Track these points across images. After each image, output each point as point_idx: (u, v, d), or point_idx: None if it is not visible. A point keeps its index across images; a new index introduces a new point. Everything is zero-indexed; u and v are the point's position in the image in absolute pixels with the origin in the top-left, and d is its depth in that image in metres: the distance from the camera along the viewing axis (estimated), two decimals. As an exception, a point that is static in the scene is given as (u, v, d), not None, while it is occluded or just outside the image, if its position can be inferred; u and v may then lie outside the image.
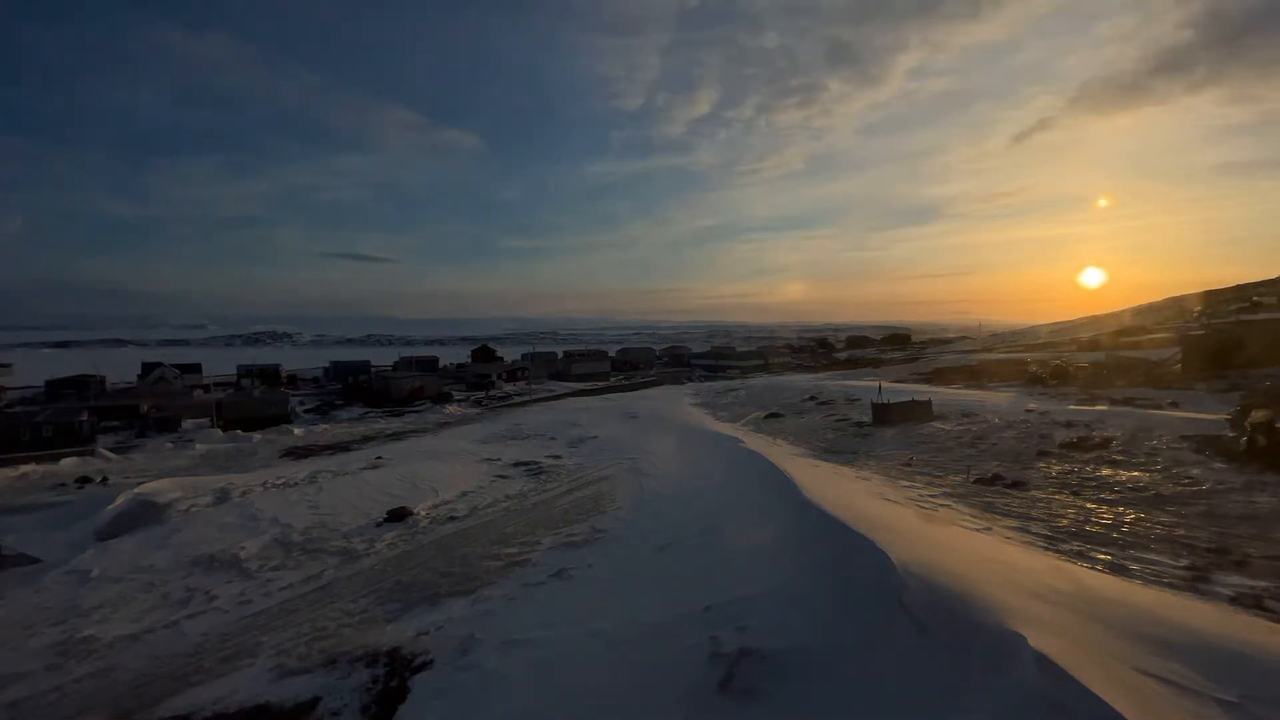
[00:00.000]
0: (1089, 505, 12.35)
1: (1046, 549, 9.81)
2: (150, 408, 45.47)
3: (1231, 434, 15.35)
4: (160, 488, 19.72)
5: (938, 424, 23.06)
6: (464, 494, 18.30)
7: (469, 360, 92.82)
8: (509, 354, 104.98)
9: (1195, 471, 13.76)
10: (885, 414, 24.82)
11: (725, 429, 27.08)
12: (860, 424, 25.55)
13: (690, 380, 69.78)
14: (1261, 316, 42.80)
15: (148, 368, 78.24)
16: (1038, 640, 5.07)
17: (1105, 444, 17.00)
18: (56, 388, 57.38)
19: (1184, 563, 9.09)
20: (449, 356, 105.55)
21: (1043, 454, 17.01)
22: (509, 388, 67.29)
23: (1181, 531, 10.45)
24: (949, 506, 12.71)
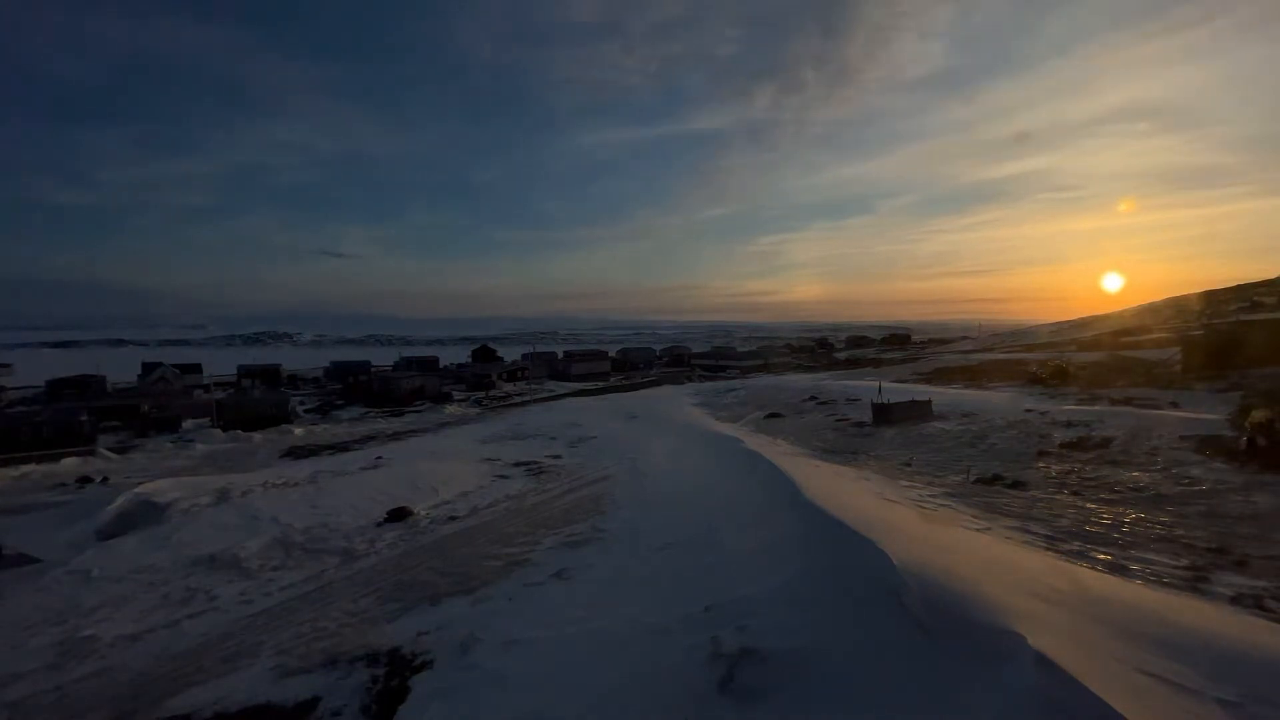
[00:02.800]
0: (1089, 505, 12.36)
1: (1046, 549, 9.81)
2: (150, 408, 45.47)
3: (1231, 434, 15.36)
4: (161, 488, 19.73)
5: (938, 424, 23.07)
6: (464, 494, 18.30)
7: (469, 360, 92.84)
8: (509, 354, 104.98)
9: (1195, 471, 13.77)
10: (885, 414, 24.83)
11: (725, 429, 27.08)
12: (860, 424, 25.55)
13: (690, 380, 69.79)
14: (1261, 316, 42.83)
15: (148, 368, 78.26)
16: (1037, 640, 5.09)
17: (1105, 444, 17.01)
18: (57, 388, 57.35)
19: (1184, 563, 9.10)
20: (449, 356, 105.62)
21: (1043, 454, 17.02)
22: (509, 388, 67.32)
23: (1181, 531, 10.46)
24: (949, 506, 12.72)
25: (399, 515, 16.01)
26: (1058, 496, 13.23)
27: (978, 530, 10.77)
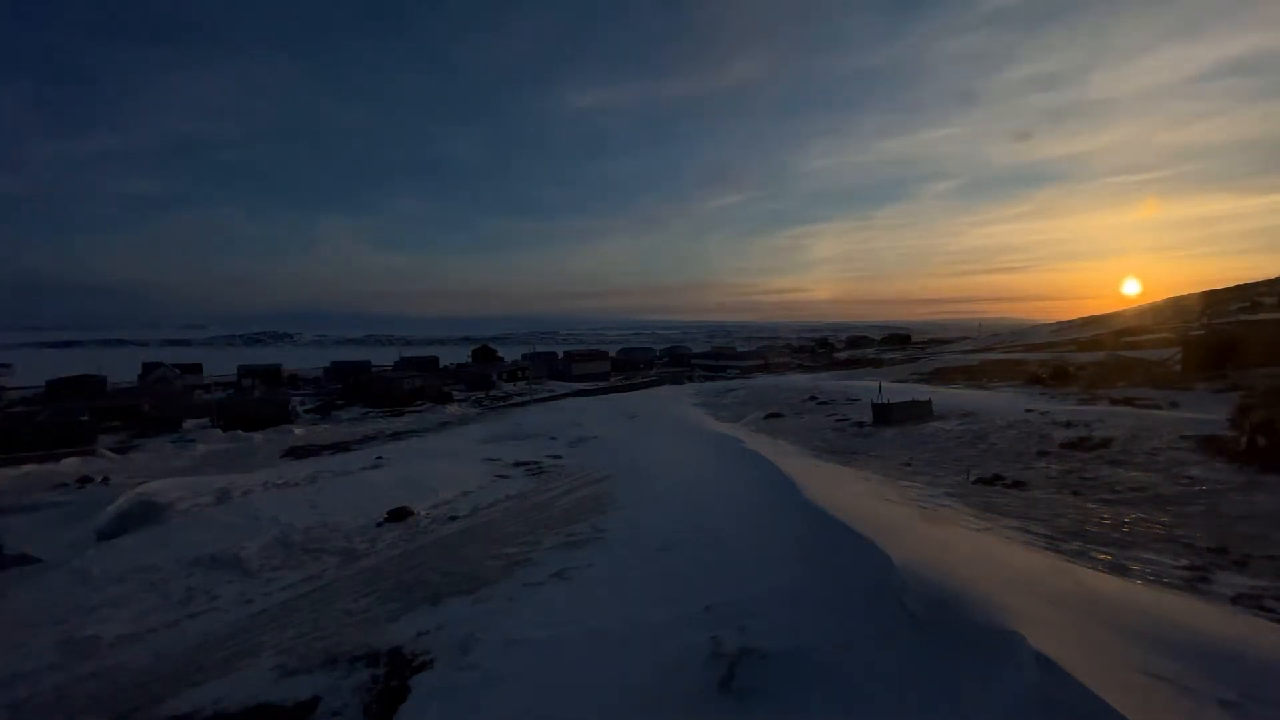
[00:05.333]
0: (1089, 505, 12.37)
1: (1046, 549, 9.82)
2: (151, 408, 45.50)
3: (1231, 434, 15.36)
4: (161, 488, 19.74)
5: (938, 424, 23.08)
6: (465, 494, 18.32)
7: (469, 360, 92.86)
8: (509, 354, 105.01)
9: (1195, 471, 13.78)
10: (885, 414, 24.85)
11: (726, 429, 27.10)
12: (860, 424, 25.57)
13: (690, 380, 69.80)
14: (1261, 316, 42.87)
15: (148, 368, 78.38)
16: (1037, 640, 5.09)
17: (1105, 444, 17.01)
18: (57, 388, 57.40)
19: (1184, 563, 9.10)
20: (449, 356, 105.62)
21: (1043, 454, 17.03)
22: (509, 388, 67.33)
23: (1181, 531, 10.47)
24: (949, 506, 12.73)
25: (399, 515, 16.02)
26: (1058, 496, 13.24)
27: (978, 530, 10.78)
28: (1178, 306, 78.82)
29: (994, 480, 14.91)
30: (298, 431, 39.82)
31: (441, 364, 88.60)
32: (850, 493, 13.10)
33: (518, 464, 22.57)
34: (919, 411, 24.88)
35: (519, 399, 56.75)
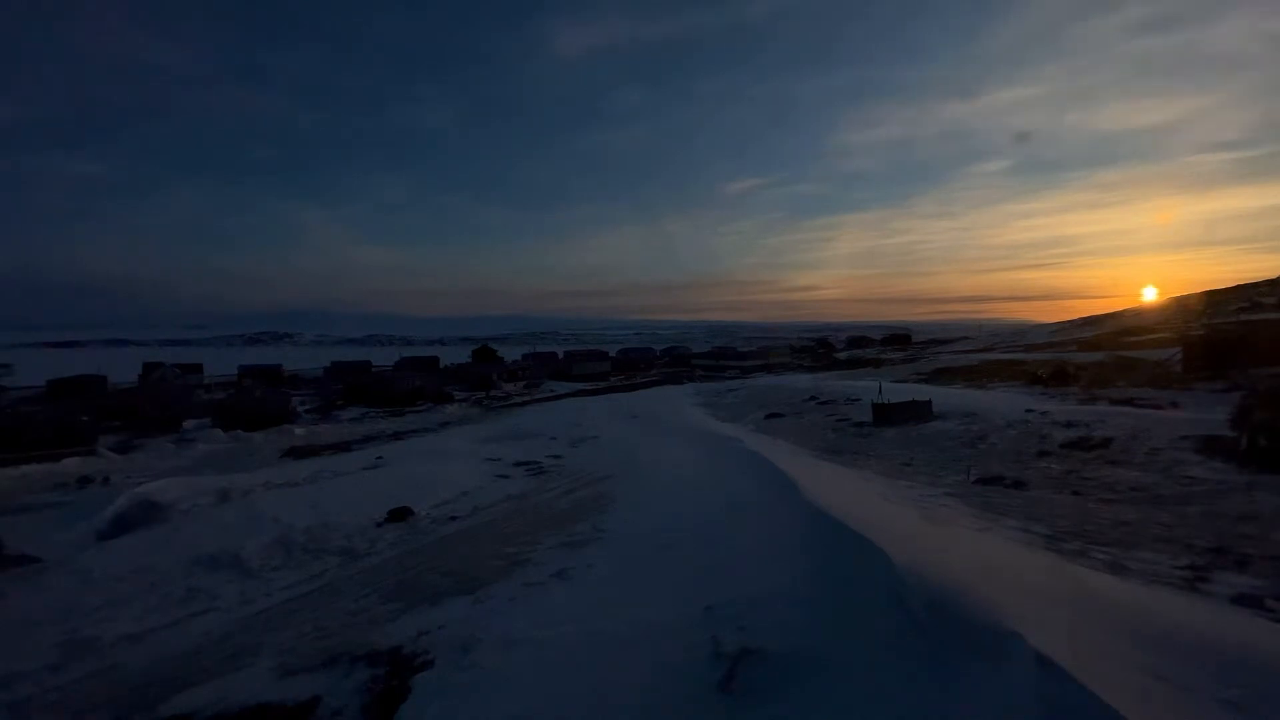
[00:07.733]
0: (1089, 505, 12.38)
1: (1047, 549, 9.83)
2: (151, 408, 45.49)
3: (1232, 434, 15.37)
4: (161, 488, 19.72)
5: (938, 424, 23.09)
6: (465, 493, 18.31)
7: (469, 360, 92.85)
8: (509, 354, 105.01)
9: (1195, 471, 13.79)
10: (886, 414, 24.86)
11: (726, 429, 27.09)
12: (860, 424, 25.57)
13: (691, 380, 69.79)
14: (1261, 317, 42.90)
15: (149, 367, 78.45)
16: (1037, 640, 5.09)
17: (1105, 444, 17.02)
18: (57, 388, 57.39)
19: (1184, 563, 9.10)
20: (449, 356, 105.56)
21: (1043, 454, 17.05)
22: (509, 388, 67.34)
23: (1181, 531, 10.47)
24: (949, 506, 12.73)
25: (400, 515, 16.02)
26: (1058, 496, 13.25)
27: (978, 530, 10.78)
28: (1179, 306, 78.85)
29: (994, 480, 14.92)
30: (298, 431, 39.81)
31: (441, 364, 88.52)
32: (850, 493, 13.10)
33: (518, 464, 22.56)
34: (919, 412, 24.88)
35: (519, 399, 56.76)
